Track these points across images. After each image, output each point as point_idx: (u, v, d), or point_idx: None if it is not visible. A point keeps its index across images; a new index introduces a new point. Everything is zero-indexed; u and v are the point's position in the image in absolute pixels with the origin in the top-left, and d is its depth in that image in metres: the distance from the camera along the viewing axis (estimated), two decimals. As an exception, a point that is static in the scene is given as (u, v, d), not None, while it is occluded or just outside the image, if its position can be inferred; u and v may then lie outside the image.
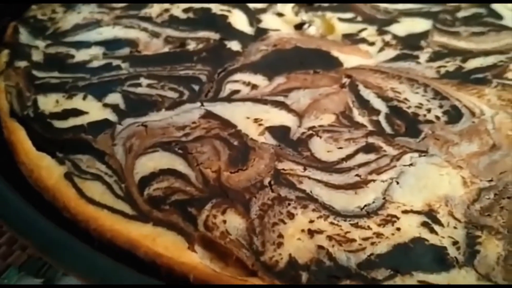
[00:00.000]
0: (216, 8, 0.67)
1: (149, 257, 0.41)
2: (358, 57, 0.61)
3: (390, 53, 0.62)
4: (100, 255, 0.40)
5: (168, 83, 0.56)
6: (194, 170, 0.46)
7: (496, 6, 0.70)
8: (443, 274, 0.39)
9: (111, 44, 0.62)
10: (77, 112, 0.53)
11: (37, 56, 0.61)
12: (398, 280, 0.39)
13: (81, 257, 0.40)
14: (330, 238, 0.41)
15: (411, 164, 0.47)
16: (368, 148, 0.48)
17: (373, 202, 0.44)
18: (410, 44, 0.63)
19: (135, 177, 0.47)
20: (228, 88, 0.55)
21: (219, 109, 0.53)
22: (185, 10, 0.67)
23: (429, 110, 0.53)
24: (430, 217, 0.43)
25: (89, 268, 0.39)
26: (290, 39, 0.63)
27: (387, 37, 0.65)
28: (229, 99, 0.54)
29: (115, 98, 0.54)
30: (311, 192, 0.44)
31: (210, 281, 0.39)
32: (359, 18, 0.69)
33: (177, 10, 0.67)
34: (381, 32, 0.66)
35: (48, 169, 0.48)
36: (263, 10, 0.69)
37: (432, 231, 0.42)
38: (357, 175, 0.46)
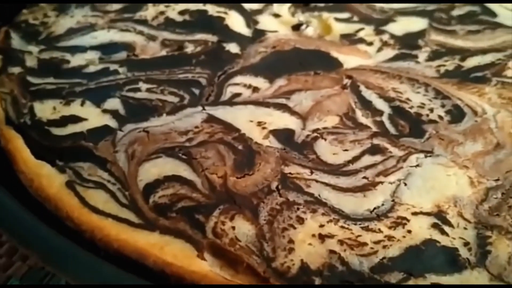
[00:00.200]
0: (212, 10, 0.66)
1: (158, 266, 0.40)
2: (358, 58, 0.61)
3: (389, 52, 0.62)
4: (106, 264, 0.39)
5: (167, 87, 0.55)
6: (200, 176, 0.46)
7: (489, 4, 0.70)
8: (455, 275, 0.39)
9: (107, 48, 0.61)
10: (75, 119, 0.52)
11: (31, 62, 0.60)
12: (411, 283, 0.38)
13: (87, 267, 0.39)
14: (341, 242, 0.41)
15: (417, 165, 0.47)
16: (374, 150, 0.48)
17: (382, 204, 0.44)
18: (408, 44, 0.63)
19: (139, 184, 0.46)
20: (229, 91, 0.55)
21: (221, 113, 0.52)
22: (181, 13, 0.66)
23: (431, 110, 0.53)
24: (439, 218, 0.42)
25: (96, 277, 0.38)
26: (288, 40, 0.63)
27: (385, 37, 0.64)
28: (230, 102, 0.53)
29: (114, 103, 0.53)
30: (319, 195, 0.44)
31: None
32: (355, 18, 0.68)
33: (173, 12, 0.66)
34: (378, 31, 0.65)
35: (48, 177, 0.47)
36: (259, 11, 0.68)
37: (443, 232, 0.42)
38: (364, 177, 0.46)
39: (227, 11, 0.66)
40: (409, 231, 0.41)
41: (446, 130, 0.51)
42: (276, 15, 0.68)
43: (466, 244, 0.41)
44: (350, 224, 0.42)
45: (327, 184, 0.45)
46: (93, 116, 0.52)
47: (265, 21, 0.66)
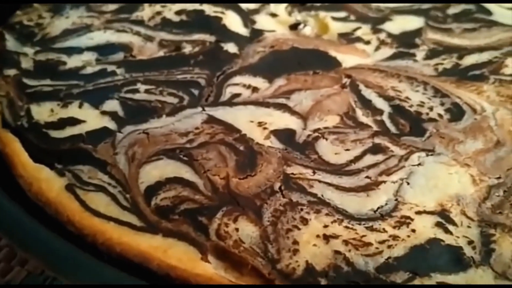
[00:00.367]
0: (209, 9, 0.66)
1: (162, 270, 0.40)
2: (356, 57, 0.61)
3: (387, 51, 0.62)
4: (109, 267, 0.38)
5: (166, 88, 0.55)
6: (202, 178, 0.45)
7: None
8: (461, 274, 0.39)
9: (104, 49, 0.60)
10: (74, 121, 0.51)
11: (26, 64, 0.59)
12: (417, 283, 0.38)
13: (91, 270, 0.38)
14: (346, 242, 0.40)
15: (419, 164, 0.47)
16: (375, 149, 0.48)
17: (386, 204, 0.43)
18: (405, 42, 0.63)
19: (140, 186, 0.45)
20: (228, 91, 0.54)
21: (221, 113, 0.52)
22: (178, 13, 0.65)
23: (431, 108, 0.53)
24: (443, 217, 0.42)
25: (100, 279, 0.38)
26: (286, 39, 0.62)
27: (382, 36, 0.64)
28: (230, 103, 0.53)
29: (112, 105, 0.53)
30: (322, 196, 0.44)
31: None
32: (352, 17, 0.68)
33: (169, 12, 0.66)
34: (375, 30, 0.65)
35: (47, 181, 0.46)
36: (256, 11, 0.67)
37: (447, 231, 0.41)
38: (367, 177, 0.46)
39: (224, 10, 0.66)
40: (413, 230, 0.41)
41: (447, 129, 0.51)
42: (273, 15, 0.67)
43: (470, 242, 0.41)
44: (354, 224, 0.42)
45: (330, 184, 0.45)
46: (91, 118, 0.52)
47: (262, 21, 0.66)
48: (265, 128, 0.50)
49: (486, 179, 0.46)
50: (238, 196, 0.44)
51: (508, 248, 0.41)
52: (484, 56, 0.61)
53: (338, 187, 0.45)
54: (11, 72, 0.58)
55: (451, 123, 0.51)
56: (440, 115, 0.52)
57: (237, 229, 0.42)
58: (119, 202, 0.44)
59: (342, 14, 0.69)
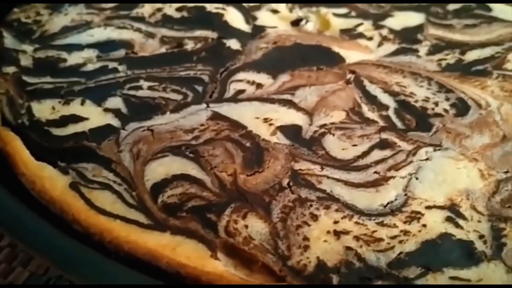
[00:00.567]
0: (210, 6, 0.65)
1: (172, 268, 0.39)
2: (359, 52, 0.60)
3: (390, 47, 0.61)
4: (119, 265, 0.38)
5: (170, 85, 0.54)
6: (209, 175, 0.45)
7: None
8: (473, 269, 0.39)
9: (104, 46, 0.59)
10: (76, 119, 0.51)
11: (25, 61, 0.58)
12: (429, 278, 0.38)
13: (100, 269, 0.38)
14: (357, 238, 0.40)
15: (427, 159, 0.47)
16: (383, 144, 0.48)
17: (396, 199, 0.43)
18: (408, 38, 0.63)
19: (146, 184, 0.45)
20: (232, 88, 0.54)
21: (226, 110, 0.51)
22: (179, 9, 0.65)
23: (436, 104, 0.53)
24: (453, 211, 0.42)
25: (109, 279, 0.37)
26: (289, 36, 0.62)
27: (384, 31, 0.64)
28: (235, 99, 0.53)
29: (115, 102, 0.52)
30: (331, 191, 0.43)
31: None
32: (353, 13, 0.68)
33: (170, 9, 0.65)
34: (377, 26, 0.65)
35: (51, 179, 0.46)
36: (257, 7, 0.67)
37: (457, 225, 0.41)
38: (375, 172, 0.45)
39: (225, 7, 0.65)
40: (424, 225, 0.41)
41: (453, 124, 0.50)
42: (275, 11, 0.67)
43: (481, 236, 0.41)
44: (364, 220, 0.41)
45: (338, 180, 0.44)
46: (94, 116, 0.51)
47: (264, 17, 0.65)
48: (271, 124, 0.49)
49: (494, 174, 0.46)
50: (246, 192, 0.43)
51: (519, 242, 0.40)
52: (486, 52, 0.60)
53: (347, 183, 0.44)
54: (10, 69, 0.57)
55: (457, 118, 0.51)
56: (445, 110, 0.52)
57: (246, 226, 0.41)
58: (125, 200, 0.44)
59: (343, 10, 0.68)
